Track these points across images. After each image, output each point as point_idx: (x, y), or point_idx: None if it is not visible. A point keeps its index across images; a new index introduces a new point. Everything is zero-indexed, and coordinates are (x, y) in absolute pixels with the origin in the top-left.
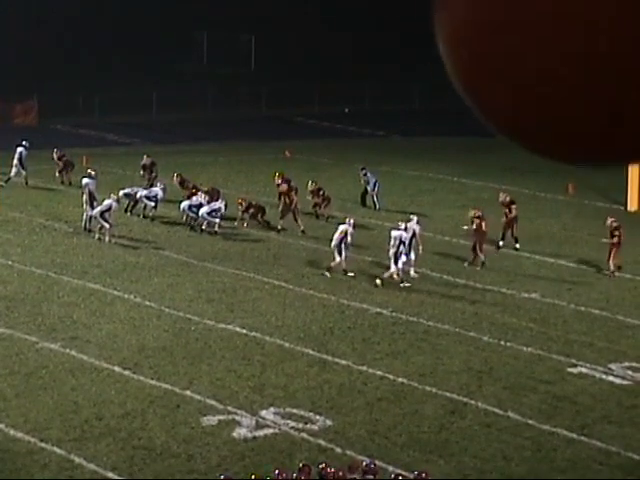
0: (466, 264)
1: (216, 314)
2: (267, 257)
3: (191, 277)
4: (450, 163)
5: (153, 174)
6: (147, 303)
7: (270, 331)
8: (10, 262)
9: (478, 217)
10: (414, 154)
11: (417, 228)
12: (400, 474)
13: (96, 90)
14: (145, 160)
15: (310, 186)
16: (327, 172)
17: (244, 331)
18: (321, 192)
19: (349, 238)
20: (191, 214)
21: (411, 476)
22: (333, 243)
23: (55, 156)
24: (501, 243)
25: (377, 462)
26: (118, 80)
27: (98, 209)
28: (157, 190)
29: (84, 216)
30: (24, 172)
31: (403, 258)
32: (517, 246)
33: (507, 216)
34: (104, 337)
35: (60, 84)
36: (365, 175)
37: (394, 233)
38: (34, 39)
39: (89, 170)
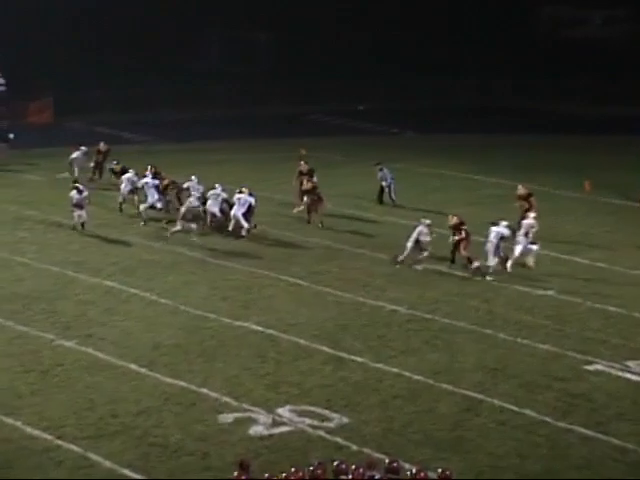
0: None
1: (231, 312)
2: (282, 255)
3: (206, 275)
4: (463, 160)
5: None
6: (162, 301)
7: (285, 329)
8: (26, 260)
9: (462, 223)
10: (428, 151)
11: (533, 223)
12: (420, 470)
13: (111, 88)
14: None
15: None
16: (341, 169)
17: (259, 329)
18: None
19: (423, 238)
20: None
21: (434, 475)
22: (409, 242)
23: (102, 149)
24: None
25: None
26: (133, 78)
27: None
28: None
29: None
30: (75, 173)
31: (519, 248)
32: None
33: (526, 211)
34: (119, 335)
35: (76, 82)
36: (381, 171)
37: (494, 229)
38: (50, 38)
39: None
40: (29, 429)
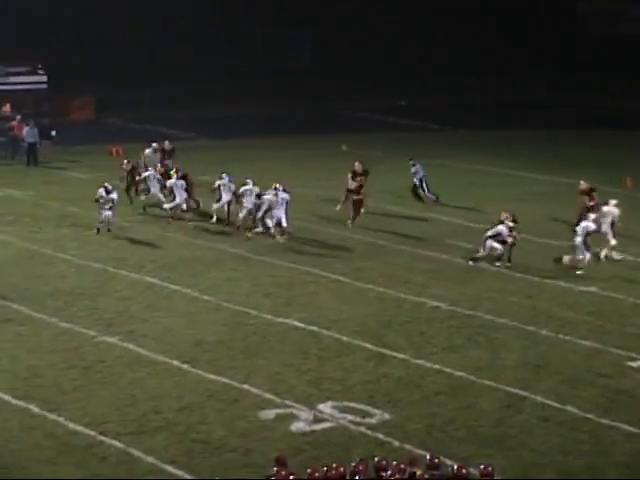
0: (504, 263)
1: (273, 308)
2: (324, 251)
3: (248, 271)
4: (505, 156)
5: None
6: (204, 297)
7: (327, 325)
8: (68, 257)
9: (515, 221)
10: (468, 147)
11: (616, 212)
12: (462, 467)
13: (152, 85)
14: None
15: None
16: (382, 165)
17: (301, 325)
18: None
19: (505, 239)
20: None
21: (475, 470)
22: (486, 235)
23: (166, 147)
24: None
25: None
26: (174, 75)
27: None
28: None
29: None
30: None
31: (611, 238)
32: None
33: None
34: (161, 331)
35: (116, 79)
36: (414, 166)
37: (583, 224)
38: (90, 36)
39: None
40: (72, 425)
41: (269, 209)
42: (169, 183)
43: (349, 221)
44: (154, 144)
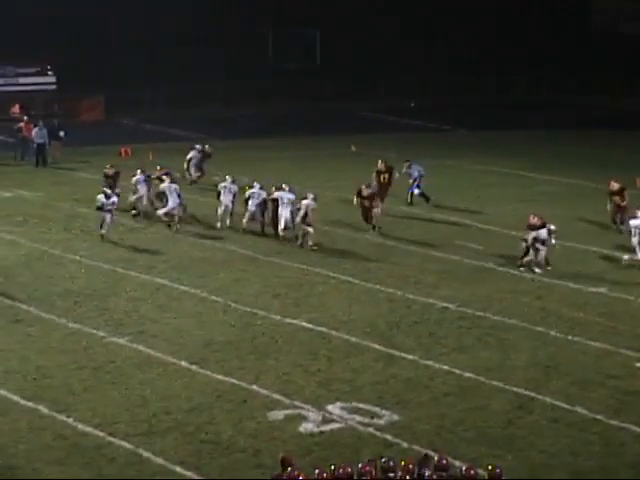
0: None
1: (282, 309)
2: (333, 252)
3: (257, 272)
4: (516, 157)
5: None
6: (213, 298)
7: (336, 326)
8: (78, 257)
9: (544, 224)
10: (480, 148)
11: None
12: (470, 468)
13: (161, 85)
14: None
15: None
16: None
17: (310, 326)
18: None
19: (552, 240)
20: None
21: (484, 472)
22: (528, 243)
23: (207, 150)
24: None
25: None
26: (183, 75)
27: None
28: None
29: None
30: (193, 174)
31: None
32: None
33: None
34: (171, 332)
35: (125, 79)
36: (409, 168)
37: (633, 222)
38: (100, 37)
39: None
40: (81, 426)
41: (306, 214)
42: (162, 187)
43: (373, 227)
44: (197, 146)
